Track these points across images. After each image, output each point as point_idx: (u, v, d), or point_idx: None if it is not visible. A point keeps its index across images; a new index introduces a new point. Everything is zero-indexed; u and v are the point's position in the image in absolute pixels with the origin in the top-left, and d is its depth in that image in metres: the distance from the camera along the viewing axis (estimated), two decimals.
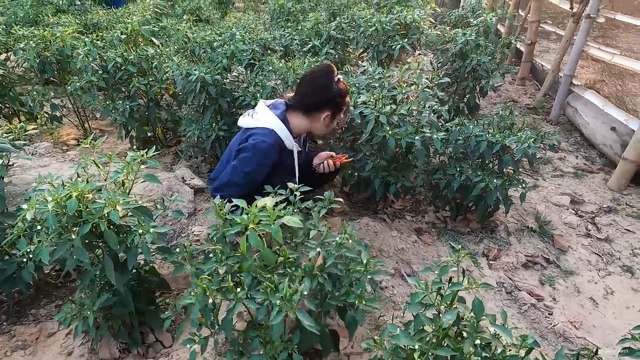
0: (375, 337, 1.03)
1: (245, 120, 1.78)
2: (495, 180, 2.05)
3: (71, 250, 1.18)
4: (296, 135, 1.80)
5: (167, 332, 1.62)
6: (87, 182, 1.24)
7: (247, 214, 1.14)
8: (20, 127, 1.73)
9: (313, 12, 3.54)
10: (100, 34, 3.03)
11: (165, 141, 3.18)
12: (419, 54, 4.12)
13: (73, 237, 1.16)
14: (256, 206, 1.16)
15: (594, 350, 1.10)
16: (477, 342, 0.92)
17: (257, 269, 1.10)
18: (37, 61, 2.79)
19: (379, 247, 2.13)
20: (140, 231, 1.23)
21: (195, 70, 2.37)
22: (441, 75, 2.50)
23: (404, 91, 2.11)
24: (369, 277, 1.18)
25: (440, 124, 2.12)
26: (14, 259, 1.48)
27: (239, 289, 1.06)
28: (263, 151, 1.67)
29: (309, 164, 1.96)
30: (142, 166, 1.36)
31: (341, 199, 1.44)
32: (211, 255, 1.17)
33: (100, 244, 1.31)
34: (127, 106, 2.65)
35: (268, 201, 1.17)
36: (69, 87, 2.70)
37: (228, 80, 2.45)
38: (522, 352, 0.95)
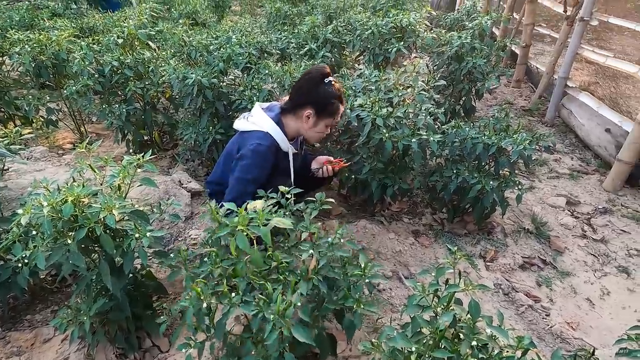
0: (373, 340, 1.03)
1: (241, 124, 1.78)
2: (491, 182, 2.06)
3: (67, 255, 1.18)
4: (291, 138, 1.80)
5: (164, 337, 1.61)
6: (83, 186, 1.23)
7: (236, 216, 1.13)
8: (15, 132, 1.73)
9: (309, 16, 3.55)
10: (97, 37, 3.03)
11: (162, 145, 3.18)
12: (415, 57, 4.14)
13: (69, 241, 1.15)
14: (246, 209, 1.16)
15: (591, 351, 1.10)
16: (474, 343, 0.92)
17: (250, 275, 1.10)
18: (33, 65, 2.78)
19: (376, 250, 2.13)
20: (137, 235, 1.22)
21: (191, 73, 2.37)
22: (437, 78, 2.51)
23: (400, 94, 2.12)
24: (366, 280, 1.18)
25: (436, 126, 2.13)
26: (9, 264, 1.47)
27: (233, 294, 1.06)
28: (262, 154, 1.68)
29: (306, 166, 1.96)
30: (139, 170, 1.36)
31: (333, 200, 1.44)
32: (206, 258, 1.16)
33: (97, 248, 1.30)
34: (124, 110, 2.64)
35: (259, 204, 1.17)
36: (65, 91, 2.69)
37: (224, 84, 2.46)
38: (519, 353, 0.95)
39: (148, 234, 1.23)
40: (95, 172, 1.37)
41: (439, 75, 2.99)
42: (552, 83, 3.82)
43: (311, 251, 1.15)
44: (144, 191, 2.32)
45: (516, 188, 2.13)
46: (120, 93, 2.80)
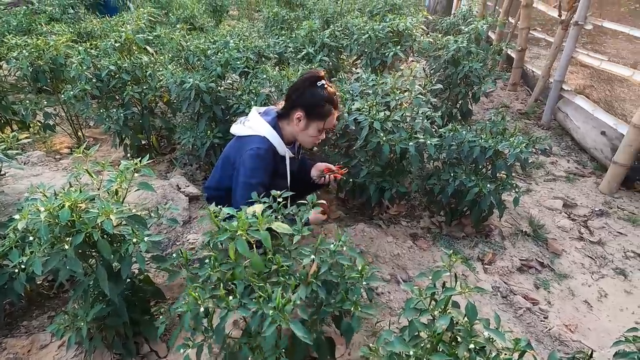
0: (371, 344, 1.03)
1: (238, 128, 1.78)
2: (488, 185, 2.07)
3: (64, 261, 1.17)
4: (288, 142, 1.80)
5: (161, 342, 1.60)
6: (80, 191, 1.23)
7: (236, 220, 1.13)
8: (12, 136, 1.72)
9: (307, 20, 3.57)
10: (94, 42, 3.03)
11: (160, 149, 3.17)
12: (412, 61, 4.17)
13: (66, 247, 1.15)
14: (246, 213, 1.16)
15: (589, 353, 1.10)
16: (471, 346, 0.92)
17: (250, 277, 1.09)
18: (30, 70, 2.78)
19: (374, 253, 2.14)
20: (135, 240, 1.22)
21: (189, 78, 2.37)
22: (434, 82, 2.53)
23: (397, 98, 2.13)
24: (364, 283, 1.18)
25: (433, 129, 2.14)
26: (5, 270, 1.46)
27: (231, 297, 1.06)
28: (262, 157, 1.68)
29: (304, 170, 1.97)
30: (136, 174, 1.35)
31: (324, 201, 1.44)
32: (206, 261, 1.16)
33: (94, 253, 1.29)
34: (121, 114, 2.65)
35: (257, 208, 1.17)
36: (63, 96, 2.69)
37: (222, 88, 2.47)
38: (516, 356, 0.96)
39: (146, 238, 1.23)
40: (92, 176, 1.37)
41: (435, 79, 3.02)
42: (548, 86, 3.85)
43: (312, 256, 1.15)
44: (141, 196, 2.32)
45: (513, 191, 2.14)
46: (117, 97, 2.80)
